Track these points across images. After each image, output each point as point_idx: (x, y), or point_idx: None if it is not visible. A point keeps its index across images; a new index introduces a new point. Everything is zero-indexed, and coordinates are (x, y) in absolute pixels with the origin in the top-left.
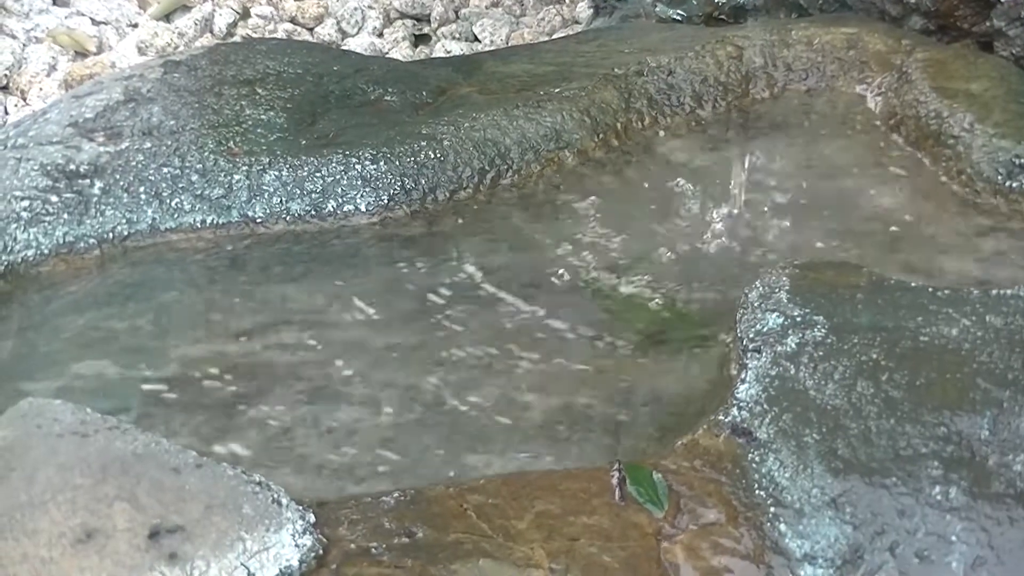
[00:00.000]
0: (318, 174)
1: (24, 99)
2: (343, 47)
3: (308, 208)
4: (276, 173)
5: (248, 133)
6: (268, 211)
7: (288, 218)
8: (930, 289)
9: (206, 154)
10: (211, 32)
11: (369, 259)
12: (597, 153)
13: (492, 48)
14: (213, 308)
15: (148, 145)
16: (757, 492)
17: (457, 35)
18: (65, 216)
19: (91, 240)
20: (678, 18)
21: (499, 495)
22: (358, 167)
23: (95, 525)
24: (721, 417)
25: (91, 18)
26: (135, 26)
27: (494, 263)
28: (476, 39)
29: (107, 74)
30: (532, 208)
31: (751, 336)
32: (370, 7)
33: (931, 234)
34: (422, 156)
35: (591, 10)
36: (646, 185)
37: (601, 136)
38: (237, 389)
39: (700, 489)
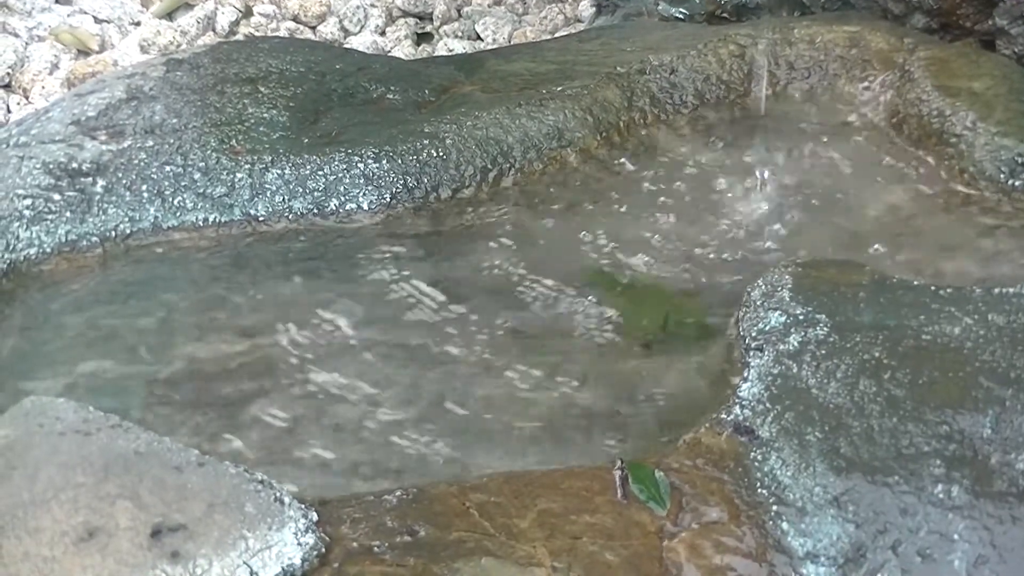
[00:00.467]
0: (320, 172)
1: (26, 97)
2: (345, 45)
3: (310, 206)
4: (278, 171)
5: (250, 131)
6: (270, 209)
7: (290, 216)
8: (932, 288)
9: (208, 152)
10: (213, 30)
11: (371, 257)
12: (600, 151)
13: (494, 46)
14: (215, 306)
15: (150, 143)
16: (759, 490)
17: (459, 33)
18: (67, 214)
19: (93, 238)
20: (680, 16)
21: (501, 493)
22: (360, 165)
23: (97, 523)
24: (723, 415)
25: (93, 16)
26: (137, 24)
27: (496, 261)
28: (478, 37)
29: (109, 72)
30: (534, 206)
31: (753, 334)
32: (372, 5)
33: (933, 233)
34: (424, 154)
35: (593, 8)
36: (648, 183)
37: (604, 134)
38: (239, 387)
39: (702, 487)
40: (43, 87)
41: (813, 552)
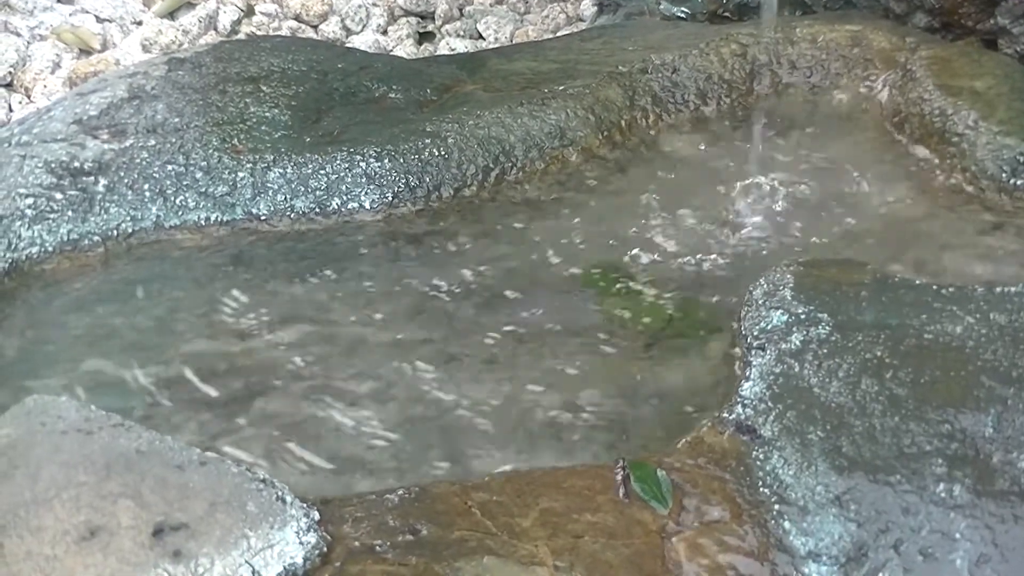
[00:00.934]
0: (322, 172)
1: (28, 96)
2: (347, 44)
3: (312, 206)
4: (280, 170)
5: (252, 130)
6: (272, 209)
7: (292, 216)
8: (934, 287)
9: (210, 151)
10: (215, 29)
11: (373, 256)
12: (601, 150)
13: (496, 45)
14: (217, 305)
15: (152, 142)
16: (761, 489)
17: (461, 32)
18: (69, 213)
19: (95, 237)
20: (682, 16)
21: (503, 492)
22: (362, 164)
23: (99, 522)
24: (725, 414)
25: (95, 15)
26: (139, 23)
27: (498, 260)
28: (480, 36)
29: (111, 71)
30: (536, 206)
31: (755, 333)
32: (374, 4)
33: (935, 231)
34: (426, 154)
35: (595, 7)
36: (650, 182)
37: (605, 133)
38: (241, 386)
39: (704, 486)
40: (45, 86)
41: (815, 551)
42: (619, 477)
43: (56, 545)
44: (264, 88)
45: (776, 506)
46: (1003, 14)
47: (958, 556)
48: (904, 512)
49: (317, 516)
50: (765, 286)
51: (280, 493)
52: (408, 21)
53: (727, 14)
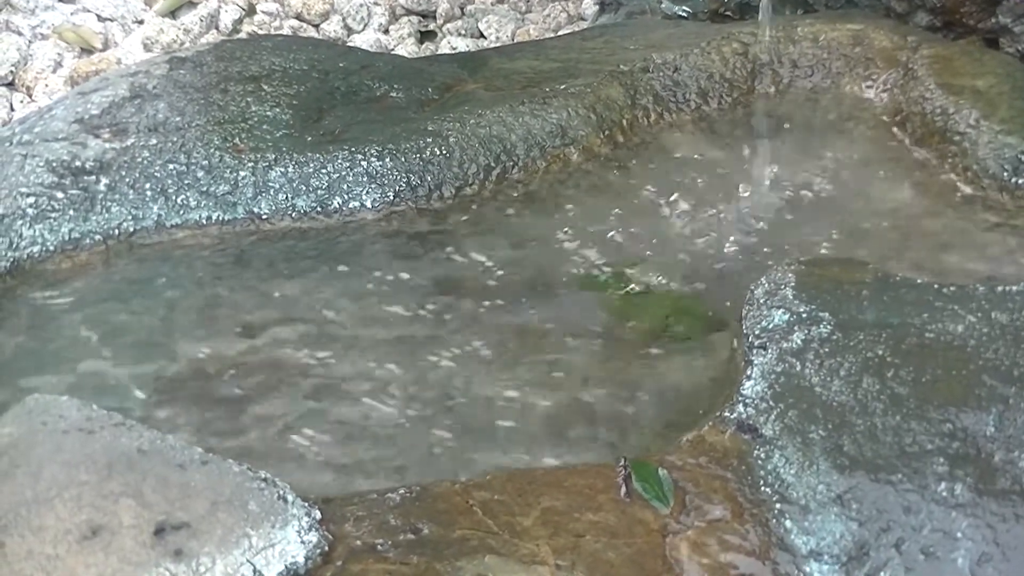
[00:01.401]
0: (324, 171)
1: (30, 95)
2: (349, 44)
3: (314, 205)
4: (282, 170)
5: (254, 130)
6: (274, 208)
7: (294, 215)
8: (936, 286)
9: (212, 150)
10: (217, 28)
11: (375, 256)
12: (603, 149)
13: (498, 45)
14: (218, 304)
15: (154, 141)
16: (763, 488)
17: (463, 31)
18: (71, 212)
19: (96, 236)
20: (683, 14)
21: (505, 491)
22: (364, 164)
23: (100, 521)
24: (727, 413)
25: (97, 14)
26: (141, 23)
27: (500, 259)
28: (482, 35)
29: (113, 70)
30: (538, 204)
31: (757, 333)
32: (376, 3)
33: (936, 231)
34: (428, 153)
35: (597, 6)
36: (652, 181)
37: (607, 132)
38: (242, 385)
39: (706, 485)
40: (46, 85)
41: (816, 550)
42: (620, 476)
43: (57, 544)
44: (265, 87)
45: (777, 505)
46: (1004, 13)
47: (959, 555)
48: (905, 511)
49: (318, 515)
50: (766, 285)
51: (281, 492)
52: (409, 20)
53: (728, 13)
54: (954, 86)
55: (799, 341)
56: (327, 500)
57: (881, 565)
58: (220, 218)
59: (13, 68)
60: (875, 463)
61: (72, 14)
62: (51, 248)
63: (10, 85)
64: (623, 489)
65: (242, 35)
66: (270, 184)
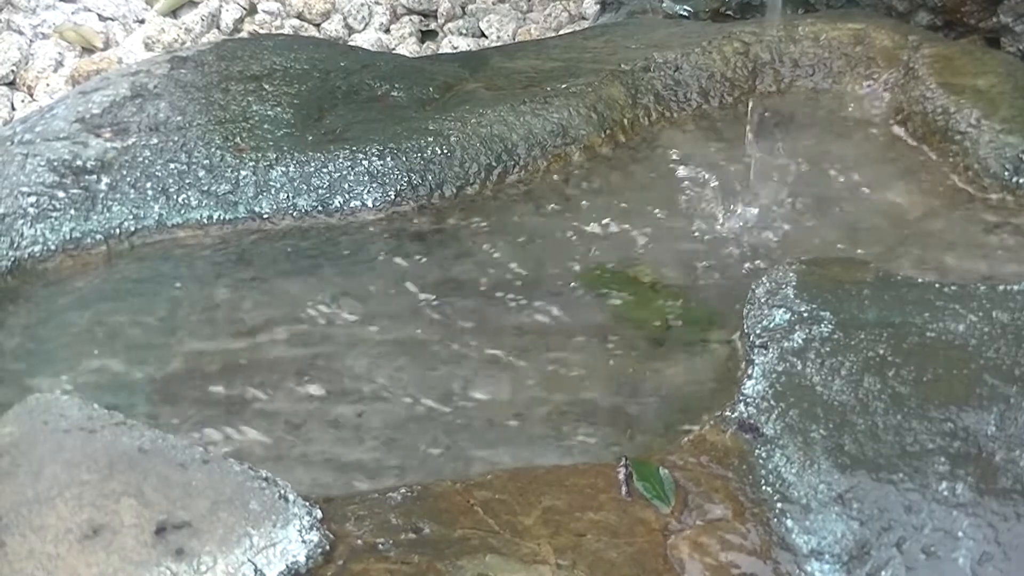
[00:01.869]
0: (325, 170)
1: (31, 95)
2: (350, 43)
3: (315, 204)
4: (283, 169)
5: (255, 129)
6: (275, 207)
7: (295, 214)
8: (937, 285)
9: (213, 150)
10: (218, 28)
11: (376, 255)
12: (604, 149)
13: (499, 44)
14: (219, 304)
15: (155, 141)
16: (764, 488)
17: (464, 31)
18: (72, 212)
19: (98, 236)
20: (685, 14)
21: (506, 491)
22: (365, 163)
23: (102, 521)
24: (728, 413)
25: (98, 14)
26: (142, 22)
27: (501, 259)
28: (483, 35)
29: (114, 70)
30: (539, 204)
31: (758, 332)
32: (377, 3)
33: (937, 230)
34: (429, 152)
35: (597, 6)
36: (653, 181)
37: (608, 132)
38: (244, 385)
39: (707, 485)
40: (47, 84)
41: (817, 549)
42: (621, 475)
43: (58, 543)
44: (267, 86)
45: (778, 504)
46: (1006, 12)
47: (961, 554)
48: (907, 510)
49: (320, 514)
50: (767, 284)
51: (283, 491)
52: (411, 19)
53: (729, 12)
54: (955, 85)
55: (800, 340)
56: (328, 499)
57: (882, 564)
58: (221, 217)
59: (14, 67)
60: (876, 462)
61: (73, 13)
62: (52, 247)
63: (11, 84)
64: (624, 488)
65: (243, 34)
66: (271, 183)
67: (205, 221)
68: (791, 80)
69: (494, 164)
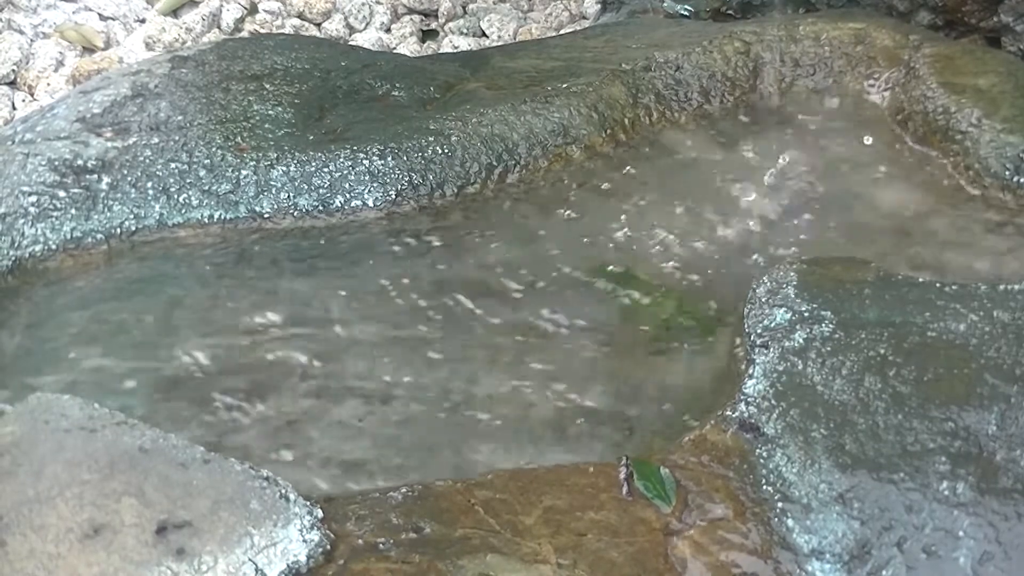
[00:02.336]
0: (326, 169)
1: (31, 94)
2: (351, 42)
3: (316, 203)
4: (284, 168)
5: (256, 128)
6: (276, 206)
7: (296, 213)
8: (937, 284)
9: (214, 149)
10: (218, 27)
11: (376, 254)
12: (605, 148)
13: (499, 43)
14: (220, 303)
15: (156, 140)
16: (764, 487)
17: (465, 30)
18: (72, 211)
19: (98, 235)
20: (685, 13)
21: (507, 490)
22: (366, 162)
23: (102, 520)
24: (729, 412)
25: (98, 13)
26: (142, 21)
27: (501, 258)
28: (484, 34)
29: (114, 69)
30: (539, 203)
31: (759, 331)
32: (378, 2)
33: (938, 229)
34: (430, 151)
35: (598, 5)
36: (653, 180)
37: (609, 131)
38: (245, 384)
39: (707, 484)
40: (48, 84)
41: (818, 549)
42: (622, 475)
43: (59, 543)
44: (267, 86)
45: (779, 504)
46: (1006, 12)
47: (961, 554)
48: (907, 510)
49: (320, 514)
50: (768, 284)
51: (283, 491)
52: (411, 19)
53: (730, 11)
54: (956, 85)
55: (801, 340)
56: (329, 499)
57: (883, 564)
58: (222, 217)
59: (15, 67)
60: (877, 462)
61: (74, 13)
62: (53, 247)
63: (12, 84)
64: (625, 488)
65: (244, 34)
66: (272, 183)
67: (206, 220)
68: (792, 80)
69: (495, 164)
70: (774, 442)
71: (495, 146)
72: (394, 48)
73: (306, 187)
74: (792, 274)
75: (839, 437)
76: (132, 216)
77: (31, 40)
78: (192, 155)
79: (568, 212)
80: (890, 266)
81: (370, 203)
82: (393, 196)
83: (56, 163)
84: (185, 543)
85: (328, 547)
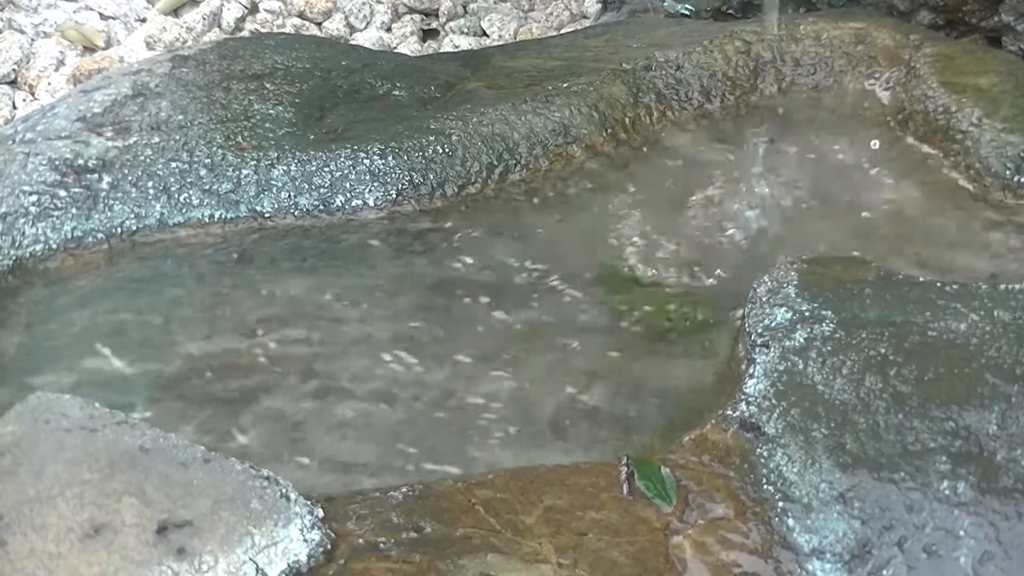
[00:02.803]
0: (326, 169)
1: (32, 94)
2: (351, 42)
3: (316, 203)
4: (284, 168)
5: (256, 128)
6: (276, 206)
7: (296, 213)
8: (938, 284)
9: (214, 149)
10: (219, 27)
11: (377, 254)
12: (605, 148)
13: (500, 43)
14: (221, 303)
15: (156, 140)
16: (765, 487)
17: (465, 30)
18: (73, 211)
19: (99, 235)
20: (686, 13)
21: (507, 490)
22: (366, 162)
23: (103, 520)
24: (729, 412)
25: (99, 13)
26: (143, 21)
27: (502, 258)
28: (484, 34)
29: (115, 69)
30: (540, 203)
31: (759, 331)
32: (378, 2)
33: (939, 229)
34: (430, 151)
35: (599, 5)
36: (654, 180)
37: (609, 131)
38: (245, 383)
39: (708, 484)
40: (49, 83)
41: (819, 548)
42: (623, 474)
43: (60, 542)
44: (268, 85)
45: (780, 503)
46: (1007, 11)
47: (962, 553)
48: (908, 509)
49: (321, 513)
50: (769, 283)
51: (284, 490)
52: (412, 18)
53: (731, 11)
54: (956, 84)
55: (801, 339)
56: (330, 498)
57: (883, 563)
58: (223, 216)
59: (16, 66)
60: (877, 461)
61: (75, 12)
62: (54, 246)
63: (12, 83)
64: (625, 487)
65: (245, 33)
66: (273, 182)
67: (206, 220)
68: (792, 79)
69: (496, 163)
70: (775, 441)
71: (496, 145)
72: (395, 47)
73: (307, 186)
74: (793, 273)
75: (840, 436)
76: (133, 215)
77: (32, 39)
78: (193, 154)
79: (569, 212)
80: (890, 265)
81: (371, 203)
82: (394, 196)
83: (57, 162)
84: (186, 543)
85: (329, 546)
